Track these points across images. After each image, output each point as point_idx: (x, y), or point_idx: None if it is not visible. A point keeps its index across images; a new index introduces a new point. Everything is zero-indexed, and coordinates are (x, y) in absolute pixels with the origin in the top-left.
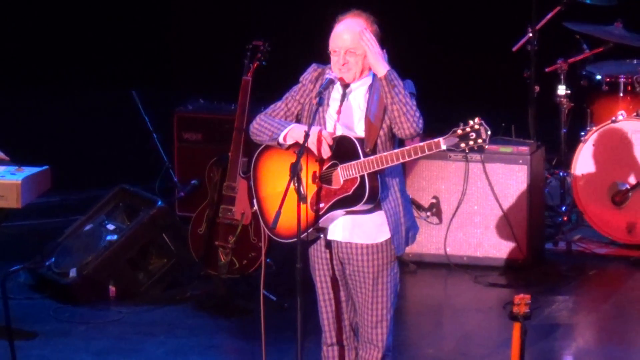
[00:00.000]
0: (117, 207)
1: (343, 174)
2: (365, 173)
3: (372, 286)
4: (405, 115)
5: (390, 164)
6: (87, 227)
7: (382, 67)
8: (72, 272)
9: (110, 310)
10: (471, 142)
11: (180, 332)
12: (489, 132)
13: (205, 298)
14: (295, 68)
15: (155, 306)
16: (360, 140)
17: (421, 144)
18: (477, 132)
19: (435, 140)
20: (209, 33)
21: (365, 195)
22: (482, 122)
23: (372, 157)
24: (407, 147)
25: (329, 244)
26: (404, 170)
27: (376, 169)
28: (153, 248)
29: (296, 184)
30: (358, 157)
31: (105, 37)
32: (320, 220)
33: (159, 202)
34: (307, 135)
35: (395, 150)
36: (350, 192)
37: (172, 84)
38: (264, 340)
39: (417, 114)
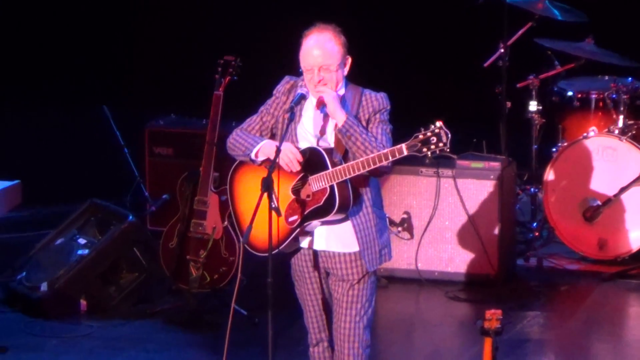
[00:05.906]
0: (88, 222)
1: (314, 185)
2: (334, 183)
3: (347, 290)
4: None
5: (358, 172)
6: (58, 242)
7: (340, 116)
8: (43, 287)
9: (81, 324)
10: (432, 146)
11: (150, 347)
12: (450, 136)
13: (175, 312)
14: (266, 83)
15: (126, 320)
16: (330, 150)
17: (385, 150)
18: (438, 135)
19: (398, 146)
20: (181, 48)
21: (336, 205)
22: (443, 125)
23: (339, 166)
24: (372, 155)
25: (311, 251)
26: None
27: (345, 177)
28: (124, 262)
29: (268, 198)
30: (326, 168)
31: (76, 52)
32: (296, 232)
33: (130, 217)
34: (278, 151)
35: (361, 159)
36: (322, 203)
37: (143, 99)
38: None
39: (378, 149)
